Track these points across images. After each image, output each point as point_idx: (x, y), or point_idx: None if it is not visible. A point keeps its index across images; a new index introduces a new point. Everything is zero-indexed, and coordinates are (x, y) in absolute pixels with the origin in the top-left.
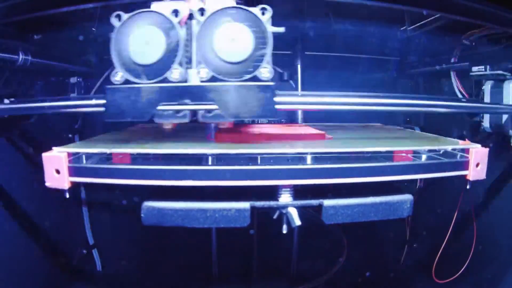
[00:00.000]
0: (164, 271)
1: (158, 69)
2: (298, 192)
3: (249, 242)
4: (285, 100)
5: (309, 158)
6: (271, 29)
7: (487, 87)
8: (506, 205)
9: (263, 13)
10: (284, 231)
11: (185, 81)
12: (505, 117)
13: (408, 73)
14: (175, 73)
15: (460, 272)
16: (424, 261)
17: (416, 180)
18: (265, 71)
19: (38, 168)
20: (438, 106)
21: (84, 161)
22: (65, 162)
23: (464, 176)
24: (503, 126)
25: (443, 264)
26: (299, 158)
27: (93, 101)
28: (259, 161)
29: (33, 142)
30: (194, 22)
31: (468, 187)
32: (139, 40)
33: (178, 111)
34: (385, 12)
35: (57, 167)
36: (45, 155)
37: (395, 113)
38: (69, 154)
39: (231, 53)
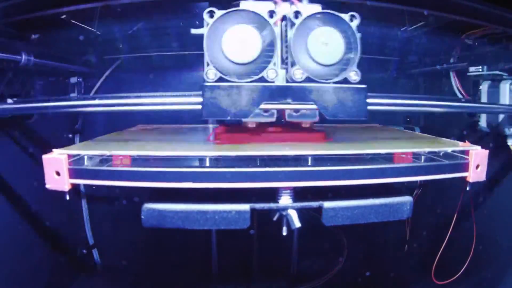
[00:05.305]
0: (164, 271)
1: (253, 68)
2: (298, 194)
3: (249, 242)
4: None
5: (309, 160)
6: (358, 35)
7: (484, 87)
8: (506, 205)
9: (351, 20)
10: (284, 233)
11: (273, 81)
12: (501, 116)
13: (408, 73)
14: (271, 73)
15: (460, 273)
16: (424, 261)
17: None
18: (354, 74)
19: (39, 168)
20: (436, 106)
21: (85, 163)
22: (65, 164)
23: (464, 177)
24: (500, 126)
25: (443, 264)
26: (299, 160)
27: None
28: (258, 163)
29: (33, 142)
30: (285, 24)
31: (468, 188)
32: (233, 39)
33: (266, 110)
34: (385, 12)
35: (57, 169)
36: (45, 157)
37: (395, 114)
38: (69, 156)
39: (324, 55)
